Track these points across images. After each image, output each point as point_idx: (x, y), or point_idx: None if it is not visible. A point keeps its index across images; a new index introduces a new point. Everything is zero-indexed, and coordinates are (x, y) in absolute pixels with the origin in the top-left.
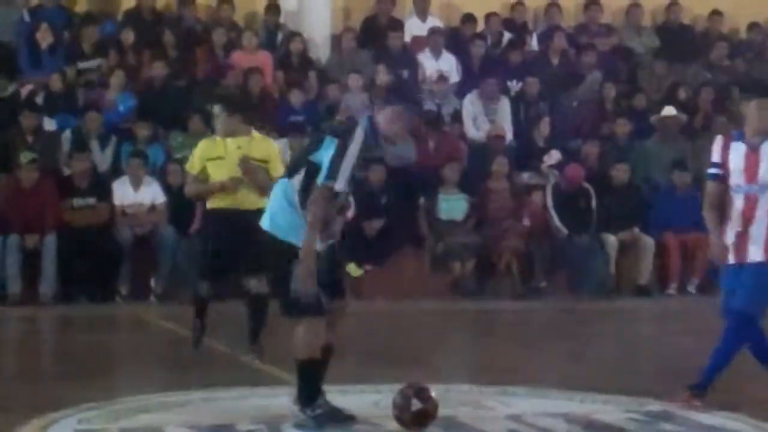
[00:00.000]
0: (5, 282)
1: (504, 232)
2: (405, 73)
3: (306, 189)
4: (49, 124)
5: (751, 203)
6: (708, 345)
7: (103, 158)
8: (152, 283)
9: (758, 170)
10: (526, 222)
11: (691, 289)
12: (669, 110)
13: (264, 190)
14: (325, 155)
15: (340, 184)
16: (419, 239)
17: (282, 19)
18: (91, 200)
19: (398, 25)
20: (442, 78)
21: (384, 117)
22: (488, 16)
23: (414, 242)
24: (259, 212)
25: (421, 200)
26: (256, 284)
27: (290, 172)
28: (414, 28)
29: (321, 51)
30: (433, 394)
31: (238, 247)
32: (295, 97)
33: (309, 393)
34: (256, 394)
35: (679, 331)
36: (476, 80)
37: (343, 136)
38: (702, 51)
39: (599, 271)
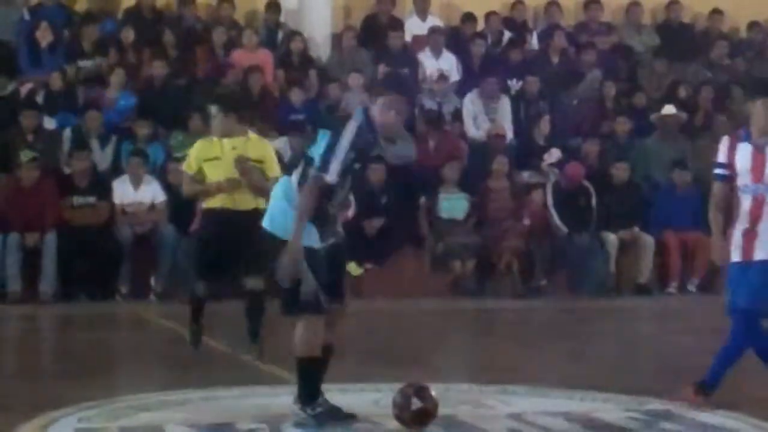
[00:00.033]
0: (5, 280)
1: (504, 231)
2: (406, 72)
3: (302, 184)
4: (50, 123)
5: (758, 203)
6: (708, 344)
7: (103, 157)
8: (152, 281)
9: (765, 170)
10: (527, 221)
11: (691, 287)
12: (669, 109)
13: (259, 191)
14: (318, 148)
15: (332, 176)
16: (419, 238)
17: (282, 18)
18: (91, 199)
19: (398, 25)
20: (442, 77)
21: (378, 107)
22: (488, 15)
23: (414, 241)
24: (255, 212)
25: (422, 199)
26: (253, 282)
27: (290, 169)
28: (414, 27)
29: (321, 50)
30: (433, 393)
31: (234, 246)
32: (296, 96)
33: (309, 392)
34: (257, 393)
35: (680, 330)
36: (476, 79)
37: (336, 129)
38: (702, 50)
39: (599, 269)
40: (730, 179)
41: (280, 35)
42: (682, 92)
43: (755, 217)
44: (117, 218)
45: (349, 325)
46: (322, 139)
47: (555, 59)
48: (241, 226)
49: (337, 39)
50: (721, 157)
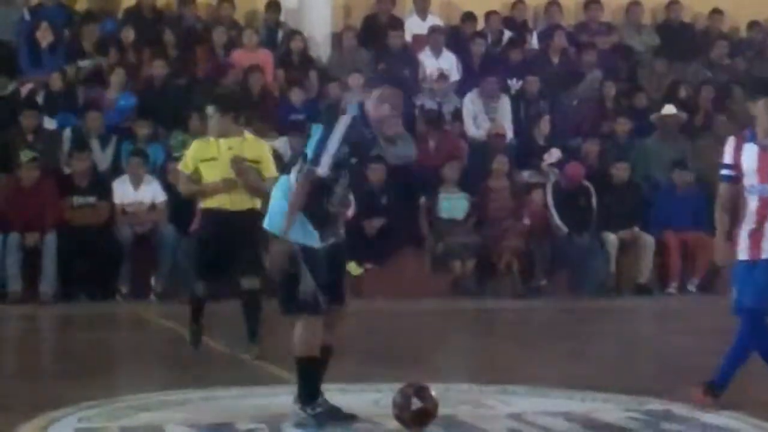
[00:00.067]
0: (5, 280)
1: (504, 231)
2: (406, 72)
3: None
4: (50, 124)
5: (764, 203)
6: (708, 344)
7: (103, 157)
8: (152, 281)
9: None
10: (527, 221)
11: (692, 287)
12: (669, 109)
13: (256, 191)
14: (311, 143)
15: (323, 169)
16: (419, 238)
17: (282, 17)
18: (92, 199)
19: (398, 24)
20: (442, 77)
21: (371, 101)
22: (488, 15)
23: (414, 241)
24: (251, 212)
25: (422, 199)
26: (249, 281)
27: (289, 169)
28: (414, 26)
29: (321, 49)
30: (433, 393)
31: (231, 247)
32: (296, 96)
33: (309, 392)
34: (256, 393)
35: (680, 330)
36: (476, 79)
37: (329, 123)
38: (702, 49)
39: (599, 269)
40: (736, 180)
41: (280, 35)
42: (683, 92)
43: (762, 217)
44: (117, 218)
45: (349, 325)
46: (316, 133)
47: (555, 59)
48: (237, 227)
49: (337, 38)
50: (727, 158)
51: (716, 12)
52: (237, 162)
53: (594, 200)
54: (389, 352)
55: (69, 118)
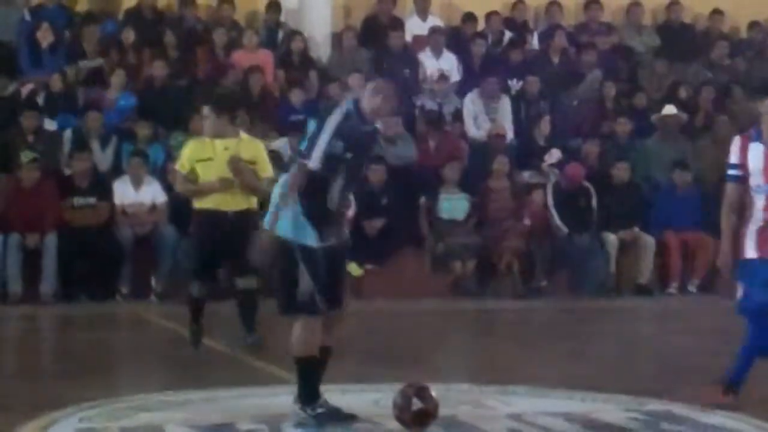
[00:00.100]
0: (6, 281)
1: (504, 231)
2: (406, 72)
3: None
4: (50, 124)
5: None
6: (708, 344)
7: (103, 158)
8: (153, 282)
9: None
10: (527, 221)
11: (692, 288)
12: (669, 109)
13: (252, 190)
14: (306, 137)
15: (314, 162)
16: (420, 239)
17: (282, 18)
18: (92, 200)
19: (399, 24)
20: (442, 77)
21: (365, 94)
22: (489, 15)
23: (414, 242)
24: (246, 213)
25: (422, 200)
26: (245, 281)
27: (289, 167)
28: (415, 27)
29: (322, 50)
30: (433, 393)
31: (227, 247)
32: (296, 96)
33: (309, 392)
34: (257, 394)
35: (680, 331)
36: (477, 79)
37: (323, 117)
38: (703, 50)
39: (600, 270)
40: (743, 180)
41: (281, 35)
42: (683, 93)
43: None
44: (117, 219)
45: (350, 326)
46: (311, 127)
47: (555, 59)
48: (233, 227)
49: (337, 39)
50: (733, 158)
51: (716, 12)
52: (234, 162)
53: (594, 201)
54: (389, 352)
55: (69, 120)
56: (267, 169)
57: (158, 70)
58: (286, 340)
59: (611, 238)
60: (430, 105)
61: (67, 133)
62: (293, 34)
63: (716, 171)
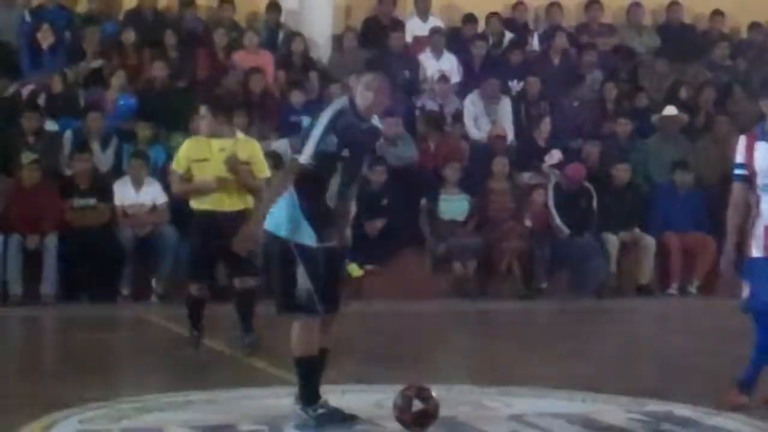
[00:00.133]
0: (6, 282)
1: (505, 232)
2: (407, 73)
3: None
4: (51, 125)
5: None
6: (709, 345)
7: (104, 159)
8: (153, 283)
9: None
10: (528, 222)
11: (692, 289)
12: (670, 110)
13: (249, 190)
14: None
15: (305, 158)
16: (420, 239)
17: (283, 19)
18: (92, 201)
19: (399, 25)
20: (443, 78)
21: (358, 90)
22: (489, 16)
23: (415, 242)
24: (242, 213)
25: (423, 200)
26: (242, 282)
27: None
28: (415, 28)
29: (322, 51)
30: (434, 394)
31: (223, 247)
32: (296, 97)
33: (309, 392)
34: (258, 395)
35: (680, 331)
36: (477, 80)
37: (317, 114)
38: (703, 50)
39: (600, 270)
40: (749, 179)
41: (281, 36)
42: (683, 93)
43: None
44: (118, 220)
45: (350, 326)
46: (304, 125)
47: (556, 60)
48: (230, 228)
49: (337, 40)
50: (739, 157)
51: (717, 13)
52: (231, 161)
53: (595, 201)
54: (390, 353)
55: (70, 122)
56: (263, 169)
57: (159, 71)
58: (287, 341)
59: (612, 239)
60: (431, 106)
61: (68, 134)
62: (294, 35)
63: (717, 172)
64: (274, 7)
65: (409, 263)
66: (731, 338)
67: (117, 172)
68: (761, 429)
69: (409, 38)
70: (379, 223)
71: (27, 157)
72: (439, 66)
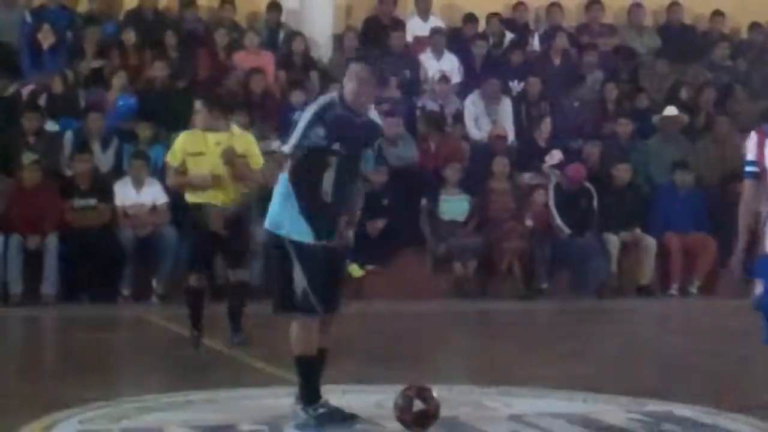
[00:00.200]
0: (7, 282)
1: (506, 232)
2: (407, 73)
3: None
4: (51, 126)
5: None
6: (709, 346)
7: (104, 159)
8: (154, 283)
9: None
10: (529, 222)
11: (693, 289)
12: (670, 110)
13: (247, 181)
14: None
15: (288, 147)
16: (421, 240)
17: (283, 19)
18: (93, 201)
19: (400, 25)
20: (444, 78)
21: (344, 81)
22: (490, 17)
23: (416, 243)
24: (240, 210)
25: (423, 201)
26: (237, 273)
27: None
28: (416, 28)
29: (323, 51)
30: (434, 394)
31: (217, 240)
32: (297, 97)
33: (310, 392)
34: (258, 395)
35: (681, 332)
36: (478, 80)
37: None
38: (703, 51)
39: (601, 271)
40: (760, 176)
41: (282, 36)
42: (684, 94)
43: None
44: (119, 220)
45: (351, 327)
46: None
47: (556, 60)
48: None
49: (338, 40)
50: (750, 154)
51: (717, 14)
52: (227, 154)
53: (595, 202)
54: (390, 353)
55: (71, 122)
56: (259, 162)
57: (159, 71)
58: (286, 341)
59: (612, 239)
60: (431, 106)
61: (68, 135)
62: (294, 35)
63: (717, 172)
64: (275, 7)
65: (410, 263)
66: (732, 338)
67: (117, 172)
68: (761, 429)
69: (409, 38)
70: (379, 224)
71: (28, 157)
72: (440, 66)
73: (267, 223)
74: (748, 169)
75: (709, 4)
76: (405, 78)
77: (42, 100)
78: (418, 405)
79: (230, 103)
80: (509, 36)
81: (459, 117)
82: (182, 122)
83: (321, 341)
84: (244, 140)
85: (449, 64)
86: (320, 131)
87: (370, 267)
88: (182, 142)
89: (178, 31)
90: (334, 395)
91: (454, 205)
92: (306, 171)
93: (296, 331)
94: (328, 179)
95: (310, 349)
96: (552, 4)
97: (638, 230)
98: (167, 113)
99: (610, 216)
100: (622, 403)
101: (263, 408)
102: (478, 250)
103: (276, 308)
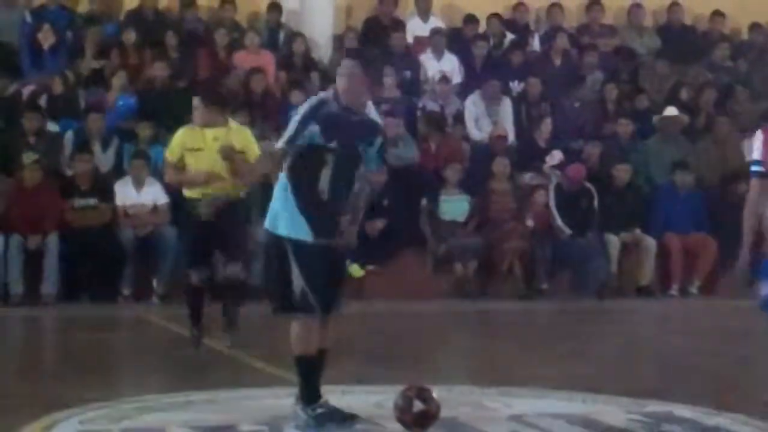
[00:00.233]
0: (7, 282)
1: (506, 233)
2: (407, 74)
3: None
4: (52, 126)
5: None
6: (709, 346)
7: (105, 159)
8: (154, 283)
9: None
10: (530, 222)
11: (693, 290)
12: (671, 111)
13: (246, 175)
14: None
15: (280, 142)
16: (421, 240)
17: (284, 19)
18: (93, 201)
19: (400, 26)
20: (444, 79)
21: (337, 78)
22: (490, 17)
23: (416, 243)
24: (234, 202)
25: (423, 201)
26: (231, 268)
27: None
28: (416, 28)
29: (323, 51)
30: (434, 395)
31: (215, 235)
32: (297, 98)
33: (310, 392)
34: (258, 395)
35: (681, 332)
36: (478, 81)
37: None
38: (704, 51)
39: (601, 271)
40: (765, 175)
41: (282, 36)
42: (684, 94)
43: None
44: (119, 220)
45: (351, 327)
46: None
47: (557, 61)
48: (221, 215)
49: (338, 40)
50: (756, 153)
51: (718, 14)
52: (225, 150)
53: (596, 202)
54: (391, 353)
55: (71, 123)
56: (257, 154)
57: (159, 71)
58: (286, 341)
59: (613, 240)
60: (432, 106)
61: (69, 135)
62: (295, 35)
63: (717, 172)
64: (275, 8)
65: (410, 264)
66: (732, 338)
67: (118, 172)
68: (761, 429)
69: (410, 38)
70: (379, 224)
71: (28, 157)
72: (440, 66)
73: (266, 223)
74: (753, 168)
75: (709, 4)
76: (405, 78)
77: (42, 101)
78: (418, 405)
79: (229, 99)
80: (510, 36)
81: (459, 117)
82: (182, 122)
83: (321, 341)
84: (241, 135)
85: (449, 65)
86: (314, 128)
87: (370, 267)
88: (180, 137)
89: (178, 31)
90: (334, 395)
91: (454, 206)
92: (303, 168)
93: (296, 330)
94: (325, 177)
95: (310, 349)
96: (552, 5)
97: (638, 231)
98: (167, 113)
99: (611, 216)
100: (622, 404)
101: (264, 408)
102: (479, 250)
103: (275, 309)
